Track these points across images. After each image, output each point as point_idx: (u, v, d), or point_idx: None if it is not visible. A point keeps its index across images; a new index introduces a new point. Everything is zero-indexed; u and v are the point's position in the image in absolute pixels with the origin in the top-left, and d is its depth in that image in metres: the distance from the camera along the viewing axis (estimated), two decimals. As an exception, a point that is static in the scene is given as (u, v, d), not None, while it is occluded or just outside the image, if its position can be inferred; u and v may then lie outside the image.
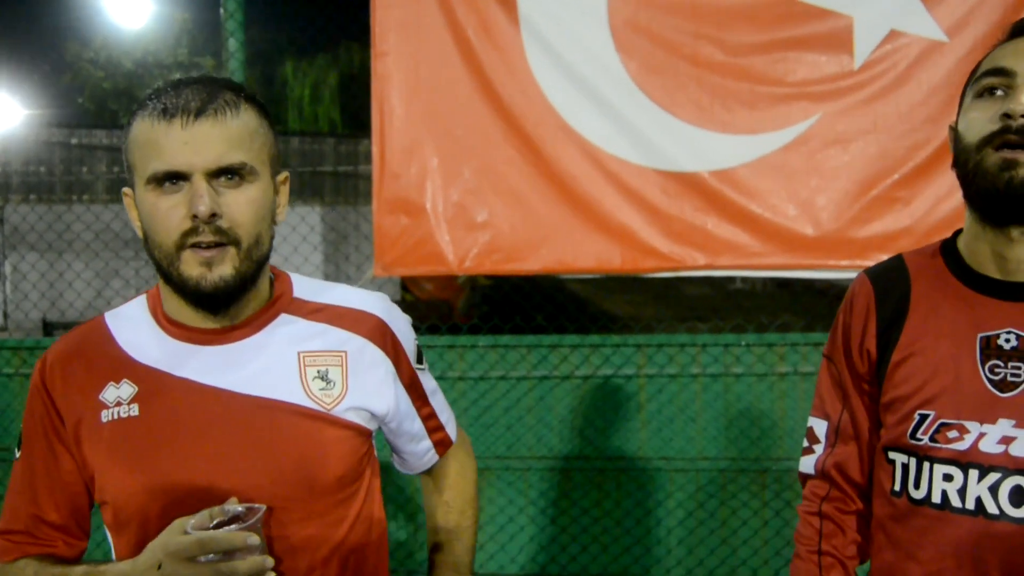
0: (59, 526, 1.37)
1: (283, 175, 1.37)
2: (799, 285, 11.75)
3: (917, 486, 1.32)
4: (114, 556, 1.35)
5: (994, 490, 1.26)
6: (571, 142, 3.28)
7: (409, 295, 11.63)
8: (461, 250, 3.30)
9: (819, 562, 1.46)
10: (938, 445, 1.30)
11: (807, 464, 1.53)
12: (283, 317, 1.36)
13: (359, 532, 1.38)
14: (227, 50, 3.42)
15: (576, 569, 3.66)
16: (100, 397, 1.32)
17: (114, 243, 8.28)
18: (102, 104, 21.83)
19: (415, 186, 3.31)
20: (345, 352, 1.36)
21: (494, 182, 3.30)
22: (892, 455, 1.37)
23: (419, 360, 1.48)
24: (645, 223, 3.27)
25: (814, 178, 3.21)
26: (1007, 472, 1.26)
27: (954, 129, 1.38)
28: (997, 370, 1.28)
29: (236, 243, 1.25)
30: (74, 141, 13.76)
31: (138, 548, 1.24)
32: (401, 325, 1.45)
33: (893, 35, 3.17)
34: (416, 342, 1.49)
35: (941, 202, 3.15)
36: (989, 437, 1.27)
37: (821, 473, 1.50)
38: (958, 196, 3.54)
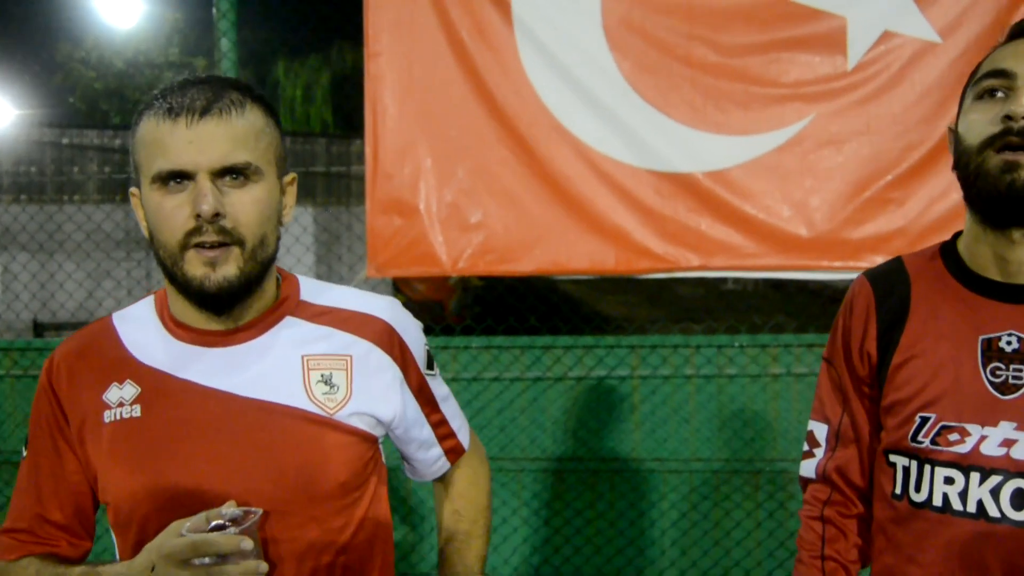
0: (62, 526, 1.37)
1: (290, 176, 1.36)
2: (792, 286, 11.77)
3: (918, 489, 1.32)
4: (117, 556, 1.34)
5: (995, 493, 1.25)
6: (565, 142, 3.27)
7: (401, 296, 11.62)
8: (455, 251, 3.29)
9: (822, 567, 1.46)
10: (939, 448, 1.30)
11: (808, 468, 1.52)
12: (288, 320, 1.35)
13: (362, 539, 1.36)
14: (220, 50, 3.40)
15: (569, 571, 3.65)
16: (103, 397, 1.31)
17: (105, 244, 8.25)
18: (93, 104, 21.76)
19: (408, 186, 3.29)
20: (350, 356, 1.35)
21: (488, 182, 3.29)
22: (893, 458, 1.37)
23: (429, 366, 1.47)
24: (639, 224, 3.26)
25: (808, 179, 3.21)
26: (1008, 475, 1.25)
27: (953, 131, 1.38)
28: (998, 372, 1.28)
29: (240, 243, 1.25)
30: (65, 141, 13.70)
31: (139, 549, 1.24)
32: (410, 330, 1.44)
33: (886, 36, 3.17)
34: (427, 347, 1.47)
35: (935, 203, 3.15)
36: (990, 440, 1.26)
37: (822, 477, 1.50)
38: (951, 197, 3.54)
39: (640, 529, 3.63)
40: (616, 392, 3.60)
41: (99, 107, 21.67)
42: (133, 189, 1.32)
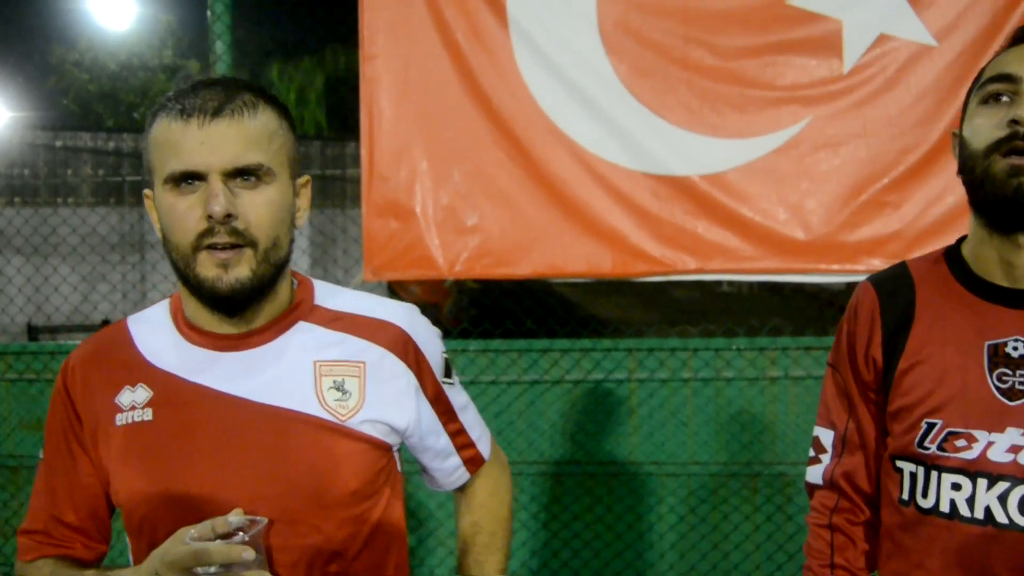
0: (77, 528, 1.37)
1: (304, 178, 1.35)
2: (789, 289, 11.77)
3: (925, 495, 1.32)
4: (131, 559, 1.34)
5: (1003, 499, 1.25)
6: (561, 145, 3.26)
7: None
8: (451, 254, 3.28)
9: None
10: (946, 454, 1.30)
11: (814, 474, 1.52)
12: (301, 324, 1.34)
13: (374, 548, 1.34)
14: (215, 52, 3.39)
15: (567, 574, 3.65)
16: (116, 400, 1.31)
17: (100, 247, 8.22)
18: (87, 107, 21.71)
19: (404, 189, 3.28)
20: (363, 363, 1.33)
21: (484, 185, 3.28)
22: (900, 464, 1.37)
23: (447, 374, 1.44)
24: (635, 227, 3.25)
25: (804, 182, 3.21)
26: (1016, 481, 1.25)
27: (957, 135, 1.37)
28: (1005, 378, 1.28)
29: (253, 245, 1.23)
30: (59, 144, 13.65)
31: (149, 553, 1.23)
32: (426, 337, 1.41)
33: (882, 39, 3.17)
34: (444, 355, 1.44)
35: (931, 206, 3.14)
36: (997, 446, 1.26)
37: (829, 483, 1.49)
38: (948, 200, 3.54)
39: (638, 533, 3.62)
40: (614, 395, 3.60)
41: (93, 109, 21.62)
42: (147, 191, 1.32)
